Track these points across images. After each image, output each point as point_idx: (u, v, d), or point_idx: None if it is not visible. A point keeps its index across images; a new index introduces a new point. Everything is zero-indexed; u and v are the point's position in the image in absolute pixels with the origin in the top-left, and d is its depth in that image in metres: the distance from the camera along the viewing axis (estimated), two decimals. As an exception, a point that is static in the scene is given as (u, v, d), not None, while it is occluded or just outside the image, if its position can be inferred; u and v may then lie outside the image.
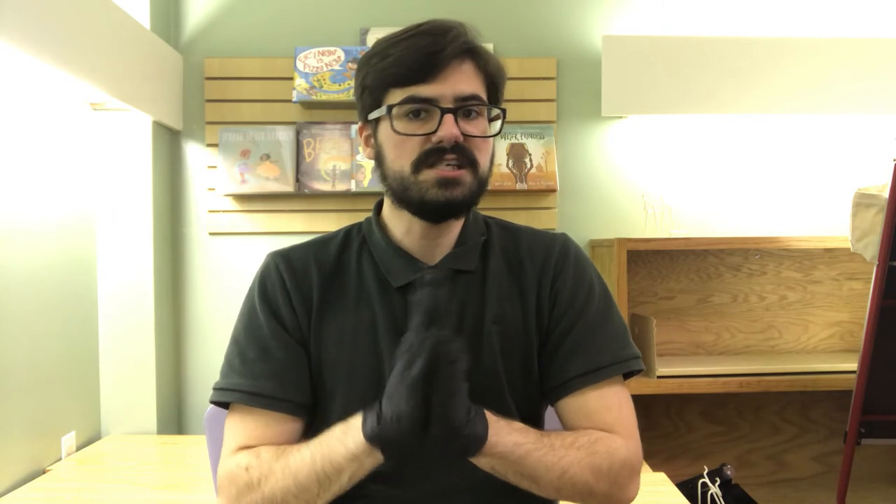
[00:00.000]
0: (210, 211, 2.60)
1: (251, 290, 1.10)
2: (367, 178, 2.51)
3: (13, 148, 1.92)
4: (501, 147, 2.56)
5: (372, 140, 1.06)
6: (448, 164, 0.99)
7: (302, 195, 2.57)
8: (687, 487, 2.23)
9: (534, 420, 1.07)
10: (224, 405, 1.07)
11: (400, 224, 1.07)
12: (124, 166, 2.39)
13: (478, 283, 1.08)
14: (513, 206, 2.60)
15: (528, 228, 1.16)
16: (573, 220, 2.66)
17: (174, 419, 2.58)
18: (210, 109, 2.61)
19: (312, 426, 1.08)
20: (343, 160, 2.56)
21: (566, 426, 1.05)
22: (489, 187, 1.07)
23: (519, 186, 2.56)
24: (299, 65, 2.53)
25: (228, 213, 2.60)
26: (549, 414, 1.14)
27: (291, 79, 2.55)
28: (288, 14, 2.64)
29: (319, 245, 1.12)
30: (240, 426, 1.04)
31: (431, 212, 1.01)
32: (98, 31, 2.01)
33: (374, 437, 0.90)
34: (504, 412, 1.00)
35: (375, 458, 0.92)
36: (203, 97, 2.61)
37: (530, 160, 2.58)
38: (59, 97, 2.16)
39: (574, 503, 1.01)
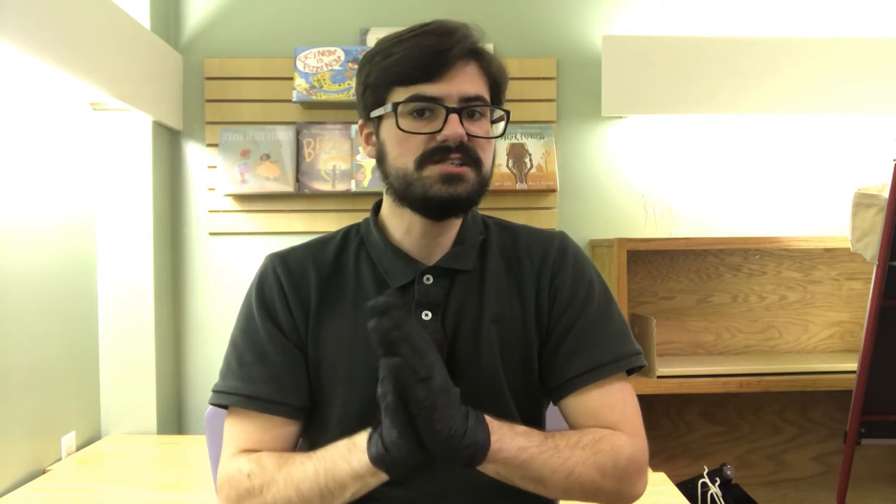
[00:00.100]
0: (210, 211, 2.60)
1: (249, 292, 1.10)
2: (367, 178, 2.51)
3: (13, 148, 1.92)
4: (501, 147, 2.56)
5: (373, 138, 1.06)
6: (452, 162, 0.99)
7: (302, 195, 2.57)
8: (687, 487, 2.23)
9: (535, 420, 1.07)
10: (223, 407, 1.08)
11: (399, 224, 1.07)
12: (124, 166, 2.39)
13: (476, 283, 1.08)
14: (513, 206, 2.60)
15: (526, 227, 1.16)
16: (573, 220, 2.66)
17: (174, 419, 2.58)
18: (210, 109, 2.61)
19: (311, 427, 1.08)
20: (343, 160, 2.56)
21: (570, 425, 1.05)
22: (489, 187, 1.07)
23: (519, 186, 2.56)
24: (299, 65, 2.53)
25: (228, 213, 2.60)
26: (551, 413, 1.14)
27: (291, 79, 2.55)
28: (288, 14, 2.64)
29: (317, 246, 1.12)
30: (238, 429, 1.05)
31: (434, 208, 1.01)
32: (98, 31, 2.01)
33: (378, 461, 0.91)
34: (504, 412, 1.00)
35: (380, 478, 0.93)
36: (203, 97, 2.61)
37: (530, 160, 2.58)
38: (59, 97, 2.16)
39: (583, 502, 1.01)
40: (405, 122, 1.00)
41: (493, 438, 0.92)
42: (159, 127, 2.48)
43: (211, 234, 2.62)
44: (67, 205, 2.20)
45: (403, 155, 1.00)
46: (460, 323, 1.06)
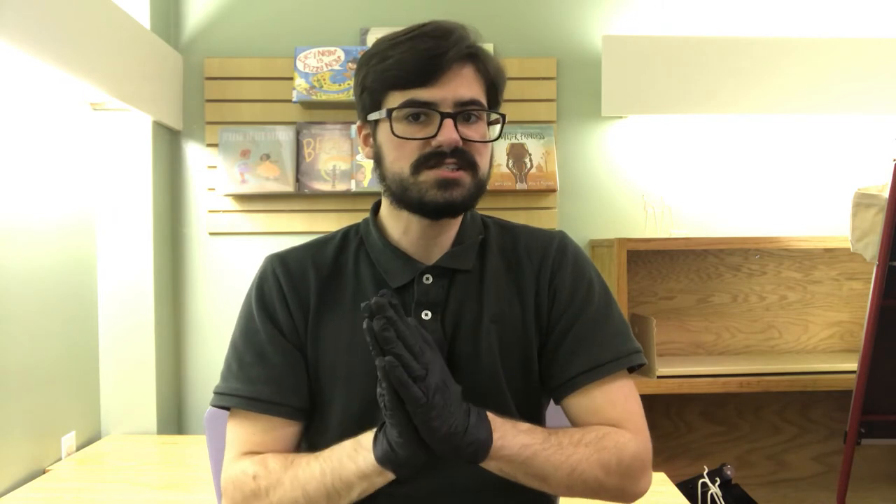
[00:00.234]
0: (210, 211, 2.60)
1: (249, 294, 1.10)
2: (367, 178, 2.51)
3: (13, 148, 1.92)
4: (501, 147, 2.56)
5: (371, 140, 1.07)
6: (448, 167, 0.99)
7: (302, 195, 2.57)
8: (687, 487, 2.23)
9: (535, 419, 1.07)
10: (224, 409, 1.08)
11: (398, 224, 1.07)
12: (124, 166, 2.39)
13: (476, 283, 1.08)
14: (513, 206, 2.60)
15: (525, 227, 1.16)
16: (573, 220, 2.66)
17: (174, 419, 2.58)
18: (210, 109, 2.61)
19: (311, 428, 1.08)
20: (343, 160, 2.56)
21: (574, 424, 1.05)
22: (489, 187, 1.07)
23: (519, 186, 2.56)
24: (299, 65, 2.53)
25: (228, 213, 2.60)
26: (552, 412, 1.14)
27: (291, 79, 2.55)
28: (288, 14, 2.64)
29: (317, 247, 1.12)
30: (240, 431, 1.05)
31: (430, 211, 1.01)
32: (98, 31, 2.01)
33: (384, 460, 0.91)
34: (504, 412, 1.00)
35: (386, 477, 0.94)
36: (203, 97, 2.61)
37: (530, 160, 2.58)
38: (59, 97, 2.16)
39: (586, 499, 1.01)
40: (400, 128, 1.00)
41: (496, 436, 0.92)
42: (159, 127, 2.48)
43: (211, 234, 2.62)
44: (67, 205, 2.21)
45: (399, 159, 1.01)
46: (460, 323, 1.06)
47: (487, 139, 1.03)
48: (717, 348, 2.72)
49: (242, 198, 2.59)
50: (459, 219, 1.09)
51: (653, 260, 2.69)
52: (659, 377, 2.38)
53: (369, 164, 2.50)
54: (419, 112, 0.99)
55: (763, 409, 2.74)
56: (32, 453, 2.00)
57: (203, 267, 2.62)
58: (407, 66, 0.98)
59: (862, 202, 2.28)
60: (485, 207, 1.10)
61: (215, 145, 2.58)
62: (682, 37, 2.57)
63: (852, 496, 2.32)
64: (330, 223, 2.55)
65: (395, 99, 1.00)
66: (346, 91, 2.51)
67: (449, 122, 0.98)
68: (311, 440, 1.08)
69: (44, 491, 1.88)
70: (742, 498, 2.33)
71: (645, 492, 1.03)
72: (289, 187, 2.54)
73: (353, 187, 2.53)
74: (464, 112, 1.00)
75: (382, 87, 1.01)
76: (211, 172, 2.60)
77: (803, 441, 2.75)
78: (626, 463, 0.99)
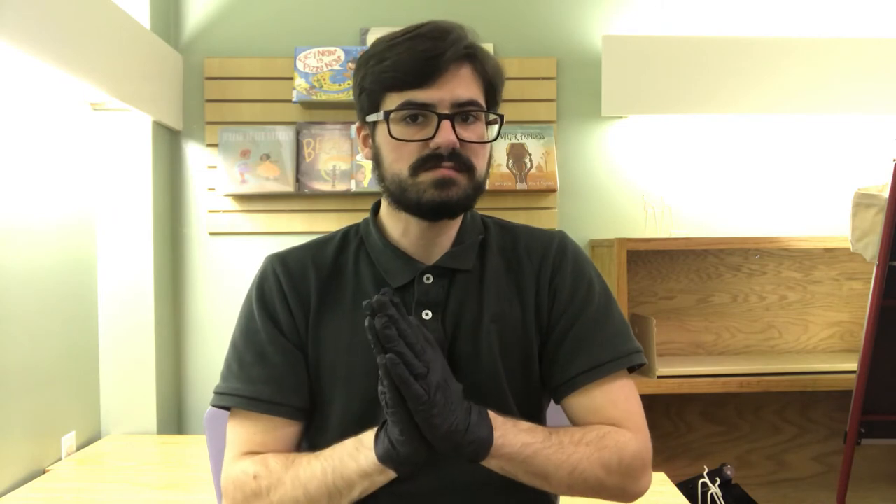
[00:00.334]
0: (210, 211, 2.61)
1: (249, 294, 1.10)
2: (366, 178, 2.51)
3: (13, 148, 1.92)
4: (501, 147, 2.56)
5: (370, 141, 1.07)
6: (445, 168, 0.99)
7: (302, 195, 2.57)
8: (687, 487, 2.23)
9: (535, 418, 1.07)
10: (225, 409, 1.08)
11: (397, 224, 1.08)
12: (124, 166, 2.39)
13: (476, 283, 1.08)
14: (513, 206, 2.60)
15: (525, 227, 1.16)
16: (573, 220, 2.66)
17: (174, 419, 2.58)
18: (210, 109, 2.61)
19: (311, 428, 1.09)
20: (343, 160, 2.56)
21: (574, 423, 1.06)
22: (489, 187, 1.07)
23: (519, 186, 2.56)
24: (299, 65, 2.53)
25: (228, 213, 2.60)
26: (553, 412, 1.14)
27: (291, 79, 2.55)
28: (288, 14, 2.65)
29: (317, 247, 1.12)
30: (240, 431, 1.05)
31: (428, 211, 1.01)
32: (98, 31, 2.01)
33: (386, 459, 0.91)
34: (504, 411, 1.00)
35: (388, 476, 0.94)
36: (203, 97, 2.61)
37: (530, 160, 2.58)
38: (59, 97, 2.16)
39: (587, 498, 1.01)
40: (397, 129, 1.00)
41: (497, 434, 0.92)
42: (159, 127, 2.48)
43: (211, 234, 2.62)
44: (67, 205, 2.21)
45: (398, 161, 1.01)
46: (460, 322, 1.06)
47: (485, 140, 1.03)
48: (717, 348, 2.72)
49: (242, 198, 2.59)
50: (459, 219, 1.09)
51: (653, 260, 2.69)
52: (659, 377, 2.38)
53: (369, 164, 2.49)
54: (417, 113, 0.99)
55: (763, 409, 2.74)
56: (32, 453, 2.00)
57: (203, 267, 2.62)
58: (404, 67, 0.98)
59: (862, 202, 2.28)
60: (485, 207, 1.10)
61: (215, 145, 2.58)
62: (682, 37, 2.57)
63: (852, 496, 2.32)
64: (330, 223, 2.55)
65: (392, 100, 1.00)
66: (346, 91, 2.51)
67: (446, 124, 0.98)
68: (312, 440, 1.08)
69: (44, 491, 1.88)
70: (742, 498, 2.33)
71: (645, 491, 1.03)
72: (289, 187, 2.54)
73: (353, 187, 2.53)
74: (461, 113, 1.00)
75: (380, 89, 1.01)
76: (211, 172, 2.60)
77: (803, 441, 2.75)
78: (626, 462, 0.99)
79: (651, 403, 2.63)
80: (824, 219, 2.68)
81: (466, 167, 1.00)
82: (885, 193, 2.17)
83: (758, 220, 2.69)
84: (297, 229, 2.58)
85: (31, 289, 1.99)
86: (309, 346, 1.07)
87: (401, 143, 1.00)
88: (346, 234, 1.14)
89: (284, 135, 2.56)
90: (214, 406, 1.08)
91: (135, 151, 2.40)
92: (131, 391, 2.40)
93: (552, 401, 1.12)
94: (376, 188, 1.08)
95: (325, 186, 2.55)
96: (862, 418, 2.19)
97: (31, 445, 1.99)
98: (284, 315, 1.07)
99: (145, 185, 2.40)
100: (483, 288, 1.08)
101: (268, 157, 2.55)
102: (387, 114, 1.00)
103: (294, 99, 2.52)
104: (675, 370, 2.41)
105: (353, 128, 2.53)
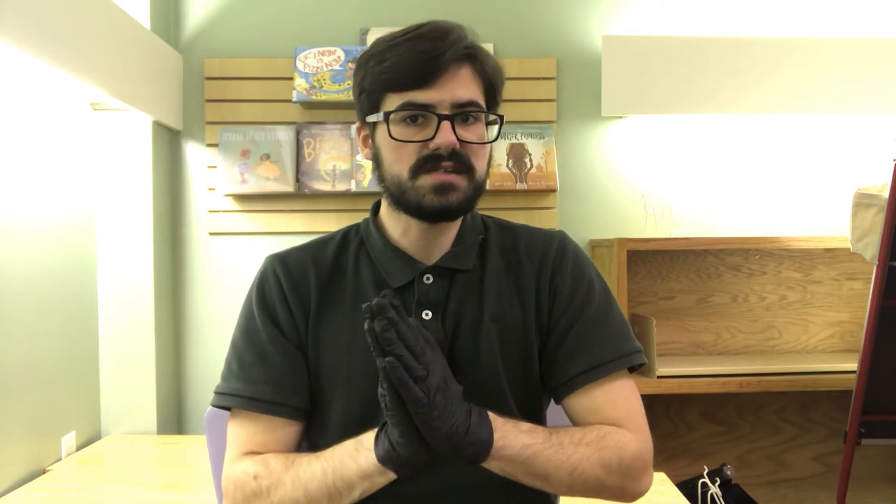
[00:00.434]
0: (210, 211, 2.60)
1: (249, 294, 1.10)
2: (366, 178, 2.51)
3: (13, 148, 1.92)
4: (501, 147, 2.56)
5: (370, 141, 1.07)
6: (445, 170, 0.99)
7: (302, 195, 2.57)
8: (687, 487, 2.23)
9: (535, 418, 1.07)
10: (225, 409, 1.08)
11: (397, 225, 1.07)
12: (124, 166, 2.39)
13: (476, 283, 1.08)
14: (513, 206, 2.60)
15: (525, 227, 1.16)
16: (573, 220, 2.66)
17: (174, 419, 2.58)
18: (210, 109, 2.61)
19: (311, 428, 1.08)
20: (343, 160, 2.56)
21: (575, 423, 1.05)
22: (489, 187, 1.07)
23: (519, 186, 2.56)
24: (299, 65, 2.53)
25: (228, 213, 2.60)
26: (553, 412, 1.14)
27: (291, 79, 2.55)
28: (288, 14, 2.64)
29: (317, 247, 1.12)
30: (241, 431, 1.05)
31: (427, 215, 1.01)
32: (98, 31, 2.01)
33: (386, 460, 0.91)
34: (504, 411, 1.00)
35: (388, 477, 0.94)
36: (203, 97, 2.61)
37: (530, 160, 2.58)
38: (59, 97, 2.16)
39: (588, 498, 1.01)
40: (397, 130, 1.00)
41: (497, 435, 0.92)
42: (159, 127, 2.48)
43: (211, 234, 2.62)
44: (67, 205, 2.21)
45: (398, 162, 1.01)
46: (460, 322, 1.06)
47: (485, 140, 1.03)
48: (717, 348, 2.72)
49: (242, 198, 2.59)
50: (459, 219, 1.09)
51: (653, 260, 2.69)
52: (659, 377, 2.38)
53: (369, 164, 2.47)
54: (416, 114, 0.99)
55: (763, 409, 2.74)
56: (32, 453, 2.00)
57: (203, 267, 2.62)
58: (404, 68, 0.98)
59: (862, 202, 2.28)
60: (485, 207, 1.10)
61: (215, 145, 2.58)
62: (682, 37, 2.57)
63: (852, 496, 2.32)
64: (330, 223, 2.55)
65: (392, 101, 1.00)
66: (346, 91, 2.51)
67: (446, 125, 0.98)
68: (312, 440, 1.08)
69: (44, 491, 1.88)
70: (742, 498, 2.33)
71: (646, 491, 1.03)
72: (289, 187, 2.54)
73: (353, 187, 2.53)
74: (461, 114, 0.99)
75: (380, 90, 1.01)
76: (211, 172, 2.60)
77: (803, 441, 2.75)
78: (627, 462, 0.99)
79: (651, 403, 2.62)
80: (824, 219, 2.68)
81: (466, 168, 1.00)
82: (885, 193, 2.17)
83: (758, 220, 2.69)
84: (297, 229, 2.58)
85: (31, 289, 1.99)
86: (309, 346, 1.07)
87: (400, 144, 1.00)
88: (346, 234, 1.14)
89: (284, 135, 2.56)
90: (215, 406, 1.08)
91: (135, 151, 2.39)
92: (131, 391, 2.40)
93: (552, 401, 1.12)
94: (376, 188, 1.08)
95: (325, 186, 2.55)
96: (862, 418, 2.19)
97: (31, 445, 1.99)
98: (284, 315, 1.07)
99: (145, 185, 2.40)
100: (483, 288, 1.08)
101: (268, 157, 2.55)
102: (386, 115, 1.00)
103: (294, 99, 2.52)
104: (675, 370, 2.41)
105: (353, 128, 2.53)
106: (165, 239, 2.54)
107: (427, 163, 0.99)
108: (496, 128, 1.05)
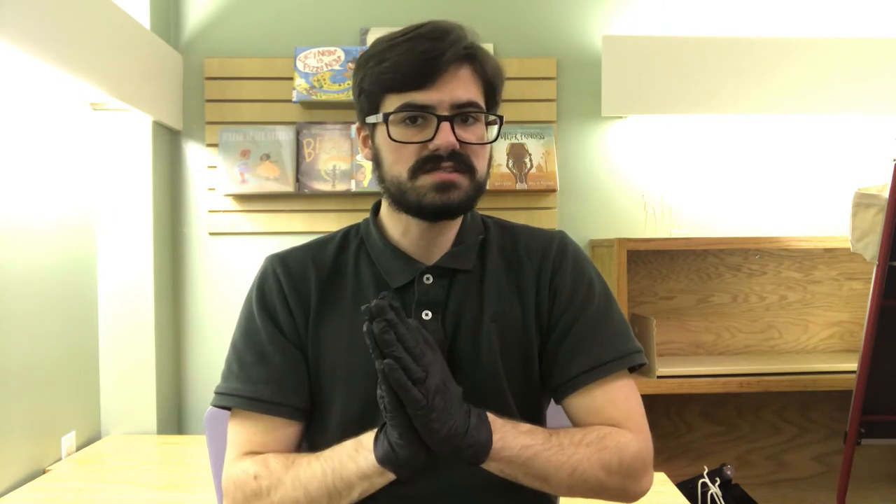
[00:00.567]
0: (210, 211, 2.60)
1: (249, 294, 1.10)
2: (367, 178, 2.51)
3: (13, 148, 1.92)
4: (501, 147, 2.56)
5: (370, 141, 1.07)
6: (445, 170, 0.99)
7: (302, 195, 2.57)
8: (687, 487, 2.23)
9: (535, 419, 1.08)
10: (225, 409, 1.08)
11: (398, 225, 1.07)
12: (124, 166, 2.39)
13: (476, 283, 1.08)
14: (513, 206, 2.60)
15: (525, 227, 1.16)
16: (573, 220, 2.66)
17: (174, 419, 2.58)
18: (210, 109, 2.61)
19: (311, 428, 1.09)
20: (343, 160, 2.56)
21: (575, 423, 1.05)
22: (489, 187, 1.07)
23: (519, 186, 2.56)
24: (299, 65, 2.53)
25: (228, 213, 2.60)
26: (553, 412, 1.14)
27: (291, 79, 2.55)
28: (288, 14, 2.64)
29: (317, 247, 1.12)
30: (241, 431, 1.05)
31: (428, 214, 1.01)
32: (98, 31, 2.01)
33: (385, 461, 0.91)
34: (504, 412, 1.00)
35: (387, 478, 0.94)
36: (203, 97, 2.61)
37: (530, 160, 2.58)
38: (59, 97, 2.16)
39: (589, 499, 1.01)
40: (397, 131, 1.00)
41: (496, 437, 0.92)
42: (159, 127, 2.48)
43: (211, 234, 2.62)
44: (67, 205, 2.21)
45: (397, 163, 1.01)
46: (460, 322, 1.06)
47: (485, 141, 1.03)
48: (717, 348, 2.72)
49: (242, 198, 2.59)
50: (459, 219, 1.09)
51: (653, 260, 2.69)
52: (659, 377, 2.38)
53: (369, 165, 2.46)
54: (416, 115, 0.99)
55: (763, 409, 2.74)
56: (32, 453, 2.00)
57: (203, 267, 2.62)
58: (403, 68, 0.98)
59: (862, 202, 2.28)
60: (485, 207, 1.10)
61: (215, 145, 2.58)
62: (682, 37, 2.57)
63: (852, 496, 2.32)
64: (330, 223, 2.55)
65: (392, 102, 1.00)
66: (346, 91, 2.51)
67: (446, 126, 0.98)
68: (312, 440, 1.08)
69: (44, 491, 1.88)
70: (742, 498, 2.33)
71: (646, 491, 1.03)
72: (289, 187, 2.54)
73: (353, 187, 2.53)
74: (461, 114, 0.99)
75: (379, 90, 1.01)
76: (211, 172, 2.60)
77: (803, 441, 2.75)
78: (627, 463, 0.99)
79: (651, 403, 2.62)
80: (824, 219, 2.68)
81: (466, 168, 1.00)
82: (885, 193, 2.17)
83: (758, 220, 2.69)
84: (297, 229, 2.58)
85: (31, 289, 1.99)
86: (309, 346, 1.07)
87: (400, 145, 1.00)
88: (346, 234, 1.14)
89: (284, 135, 2.56)
90: (215, 406, 1.08)
91: (135, 151, 2.39)
92: (131, 391, 2.40)
93: (552, 401, 1.12)
94: (376, 188, 1.08)
95: (325, 186, 2.55)
96: (862, 418, 2.19)
97: (31, 445, 1.99)
98: (284, 315, 1.07)
99: (145, 185, 2.40)
100: (483, 288, 1.08)
101: (268, 157, 2.55)
102: (386, 116, 1.00)
103: (294, 99, 2.52)
104: (675, 370, 2.41)
105: (353, 128, 2.53)
106: (165, 239, 2.54)
107: (427, 163, 0.99)
108: (496, 128, 1.05)
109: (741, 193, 2.71)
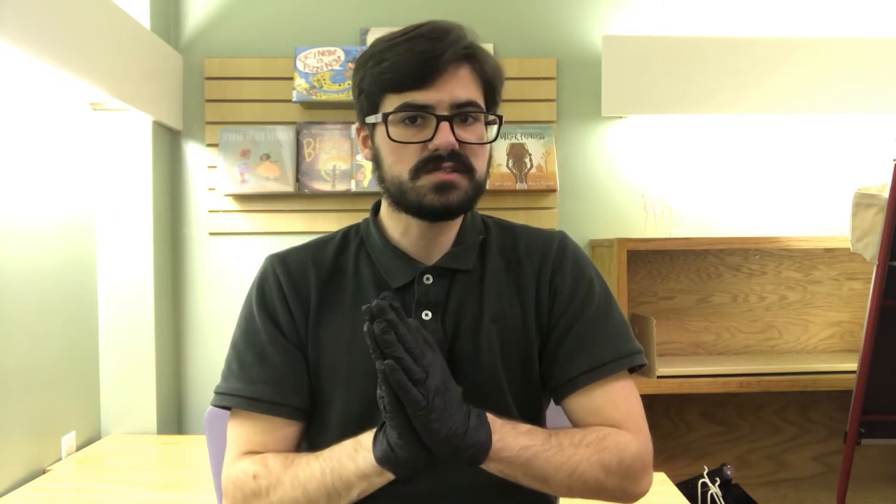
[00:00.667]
0: (210, 211, 2.61)
1: (249, 294, 1.10)
2: (366, 178, 2.52)
3: (13, 148, 1.92)
4: (501, 147, 2.56)
5: (369, 142, 1.07)
6: (444, 170, 0.99)
7: (302, 195, 2.57)
8: (687, 487, 2.23)
9: (535, 419, 1.08)
10: (225, 408, 1.08)
11: (398, 225, 1.07)
12: (124, 166, 2.39)
13: (476, 283, 1.08)
14: (513, 206, 2.60)
15: (525, 227, 1.16)
16: (573, 220, 2.66)
17: (174, 419, 2.58)
18: (210, 109, 2.61)
19: (311, 428, 1.09)
20: (343, 160, 2.56)
21: (574, 424, 1.05)
22: (489, 187, 1.07)
23: (519, 186, 2.56)
24: (299, 65, 2.53)
25: (228, 213, 2.60)
26: (553, 412, 1.14)
27: (291, 79, 2.55)
28: (288, 14, 2.64)
29: (317, 247, 1.12)
30: (241, 431, 1.05)
31: (428, 214, 1.01)
32: (98, 31, 2.01)
33: (384, 461, 0.91)
34: (504, 412, 1.00)
35: (386, 478, 0.94)
36: (203, 97, 2.61)
37: (530, 160, 2.58)
38: (59, 97, 2.16)
39: (588, 499, 1.01)
40: (396, 131, 1.00)
41: (495, 438, 0.92)
42: (159, 127, 2.48)
43: (211, 234, 2.62)
44: (67, 205, 2.21)
45: (398, 163, 1.01)
46: (460, 322, 1.06)
47: (485, 140, 1.03)
48: (717, 348, 2.72)
49: (242, 198, 2.59)
50: (459, 219, 1.09)
51: (653, 260, 2.69)
52: (659, 377, 2.38)
53: (369, 165, 2.46)
54: (415, 115, 0.99)
55: (763, 409, 2.74)
56: (32, 453, 2.00)
57: (203, 267, 2.62)
58: (403, 68, 0.98)
59: (862, 202, 2.28)
60: (485, 207, 1.10)
61: (215, 145, 2.58)
62: (682, 37, 2.57)
63: (852, 496, 2.32)
64: (330, 223, 2.55)
65: (391, 102, 1.00)
66: (346, 91, 2.51)
67: (445, 126, 0.98)
68: (312, 440, 1.08)
69: (44, 491, 1.88)
70: (742, 498, 2.33)
71: (646, 492, 1.03)
72: (289, 187, 2.54)
73: (353, 187, 2.53)
74: (460, 114, 0.99)
75: (379, 90, 1.01)
76: (211, 172, 2.60)
77: (803, 441, 2.75)
78: (626, 463, 0.99)
79: (651, 403, 2.63)
80: (824, 219, 2.68)
81: (466, 168, 1.00)
82: (885, 193, 2.17)
83: (758, 220, 2.69)
84: (297, 229, 2.58)
85: (31, 289, 1.99)
86: (309, 346, 1.07)
87: (400, 146, 1.00)
88: (346, 234, 1.14)
89: (284, 135, 2.56)
90: (215, 406, 1.08)
91: (135, 151, 2.39)
92: (131, 391, 2.40)
93: (552, 401, 1.12)
94: (376, 188, 1.08)
95: (325, 186, 2.55)
96: (862, 418, 2.19)
97: (31, 445, 1.99)
98: (284, 315, 1.07)
99: (145, 185, 2.40)
100: (483, 288, 1.08)
101: (268, 157, 2.55)
102: (385, 116, 1.00)
103: (294, 99, 2.52)
104: (675, 370, 2.41)
105: (353, 128, 2.53)
106: (165, 239, 2.54)
107: (427, 164, 0.99)
108: (495, 128, 1.05)
109: (741, 193, 2.71)
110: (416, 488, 1.02)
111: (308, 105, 2.58)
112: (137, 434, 2.40)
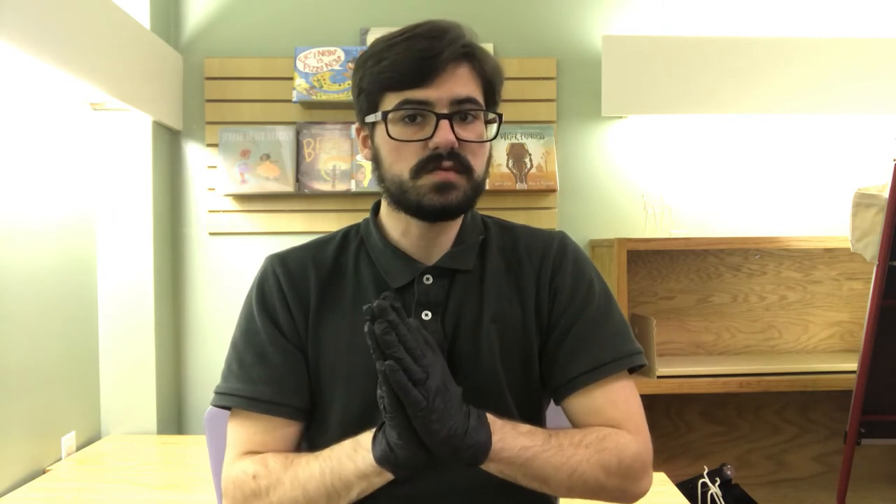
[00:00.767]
0: (210, 211, 2.61)
1: (249, 294, 1.10)
2: (366, 178, 2.52)
3: (13, 148, 1.92)
4: (501, 147, 2.56)
5: (369, 141, 1.07)
6: (444, 169, 0.99)
7: (302, 195, 2.58)
8: (687, 487, 2.23)
9: (535, 419, 1.08)
10: (225, 408, 1.08)
11: (398, 225, 1.07)
12: (124, 166, 2.39)
13: (476, 283, 1.08)
14: (513, 206, 2.60)
15: (525, 227, 1.16)
16: (573, 220, 2.66)
17: (174, 419, 2.58)
18: (210, 109, 2.61)
19: (311, 428, 1.09)
20: (343, 160, 2.56)
21: (574, 424, 1.05)
22: (489, 187, 1.07)
23: (519, 186, 2.56)
24: (299, 65, 2.53)
25: (228, 213, 2.60)
26: (553, 413, 1.14)
27: (291, 79, 2.55)
28: (288, 14, 2.65)
29: (317, 247, 1.12)
30: (241, 431, 1.05)
31: (427, 214, 1.01)
32: (98, 31, 2.01)
33: (383, 461, 0.91)
34: (504, 412, 1.00)
35: (385, 478, 0.94)
36: (203, 97, 2.61)
37: (530, 160, 2.58)
38: (59, 97, 2.16)
39: (588, 500, 1.01)
40: (396, 130, 1.00)
41: (495, 438, 0.92)
42: (159, 127, 2.48)
43: (211, 234, 2.62)
44: (67, 205, 2.21)
45: (398, 163, 1.01)
46: (460, 323, 1.06)
47: (484, 139, 1.03)
48: (717, 348, 2.72)
49: (242, 198, 2.59)
50: (459, 219, 1.09)
51: (653, 260, 2.69)
52: (659, 377, 2.38)
53: (369, 164, 2.47)
54: (415, 113, 0.99)
55: (763, 409, 2.74)
56: (32, 453, 2.00)
57: (203, 267, 2.62)
58: (402, 67, 0.98)
59: (862, 202, 2.28)
60: (485, 207, 1.10)
61: (215, 145, 2.58)
62: (682, 37, 2.57)
63: (852, 496, 2.32)
64: (330, 223, 2.55)
65: (390, 101, 1.00)
66: (345, 91, 2.51)
67: (445, 124, 0.98)
68: (312, 440, 1.08)
69: (44, 491, 1.88)
70: (742, 498, 2.33)
71: (646, 492, 1.03)
72: (289, 187, 2.54)
73: (353, 187, 2.53)
74: (460, 112, 0.99)
75: (378, 89, 1.01)
76: (211, 172, 2.60)
77: (803, 441, 2.75)
78: (626, 464, 0.99)
79: (651, 403, 2.63)
80: (824, 219, 2.68)
81: (464, 168, 1.00)
82: (885, 193, 2.17)
83: (758, 220, 2.69)
84: (297, 229, 2.58)
85: (31, 289, 1.99)
86: (309, 346, 1.07)
87: (400, 144, 1.00)
88: (346, 234, 1.14)
89: (284, 135, 2.56)
90: (215, 406, 1.08)
91: (135, 151, 2.40)
92: (131, 391, 2.40)
93: (552, 401, 1.12)
94: (376, 188, 1.08)
95: (325, 186, 2.55)
96: (862, 418, 2.19)
97: (31, 445, 1.99)
98: (284, 315, 1.07)
99: (145, 185, 2.40)
100: (483, 288, 1.08)
101: (268, 157, 2.55)
102: (385, 114, 1.00)
103: (294, 99, 2.52)
104: (675, 370, 2.41)
105: (353, 128, 2.53)
106: (165, 239, 2.54)
107: (428, 163, 0.99)
108: (495, 126, 1.05)
109: (741, 193, 2.71)
110: (416, 488, 1.02)
111: (308, 105, 2.58)
112: (137, 434, 2.40)
